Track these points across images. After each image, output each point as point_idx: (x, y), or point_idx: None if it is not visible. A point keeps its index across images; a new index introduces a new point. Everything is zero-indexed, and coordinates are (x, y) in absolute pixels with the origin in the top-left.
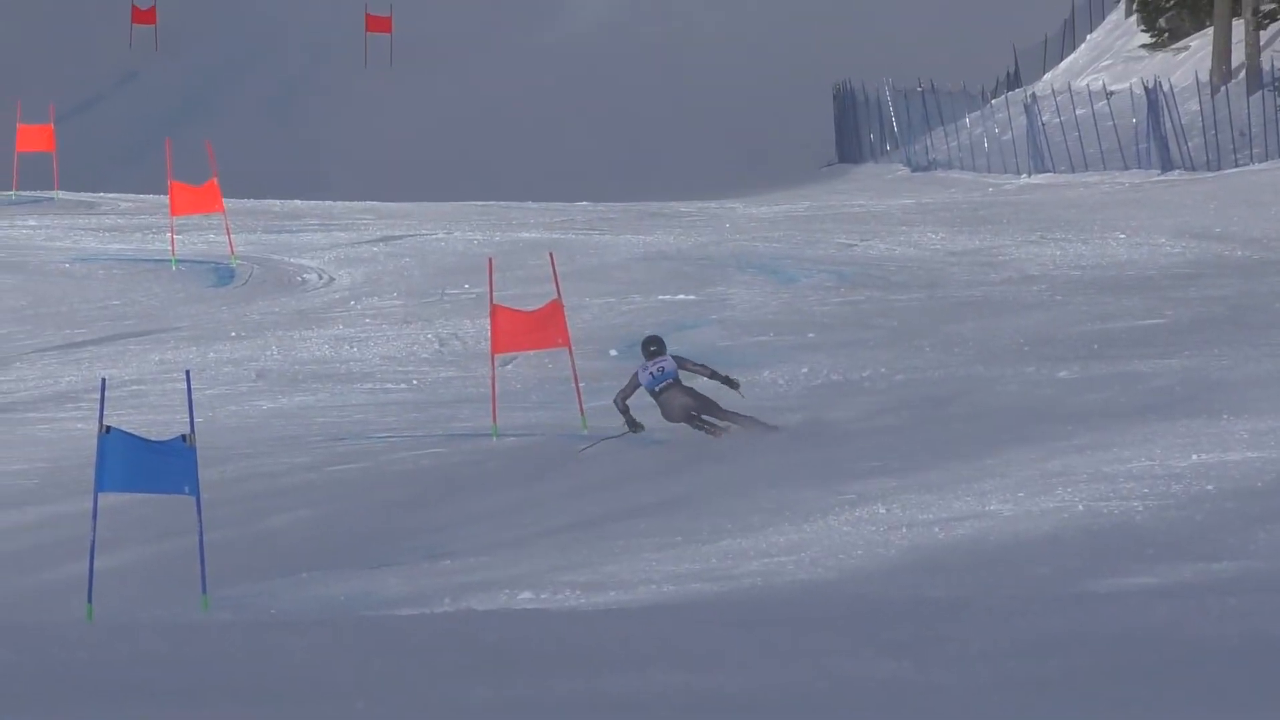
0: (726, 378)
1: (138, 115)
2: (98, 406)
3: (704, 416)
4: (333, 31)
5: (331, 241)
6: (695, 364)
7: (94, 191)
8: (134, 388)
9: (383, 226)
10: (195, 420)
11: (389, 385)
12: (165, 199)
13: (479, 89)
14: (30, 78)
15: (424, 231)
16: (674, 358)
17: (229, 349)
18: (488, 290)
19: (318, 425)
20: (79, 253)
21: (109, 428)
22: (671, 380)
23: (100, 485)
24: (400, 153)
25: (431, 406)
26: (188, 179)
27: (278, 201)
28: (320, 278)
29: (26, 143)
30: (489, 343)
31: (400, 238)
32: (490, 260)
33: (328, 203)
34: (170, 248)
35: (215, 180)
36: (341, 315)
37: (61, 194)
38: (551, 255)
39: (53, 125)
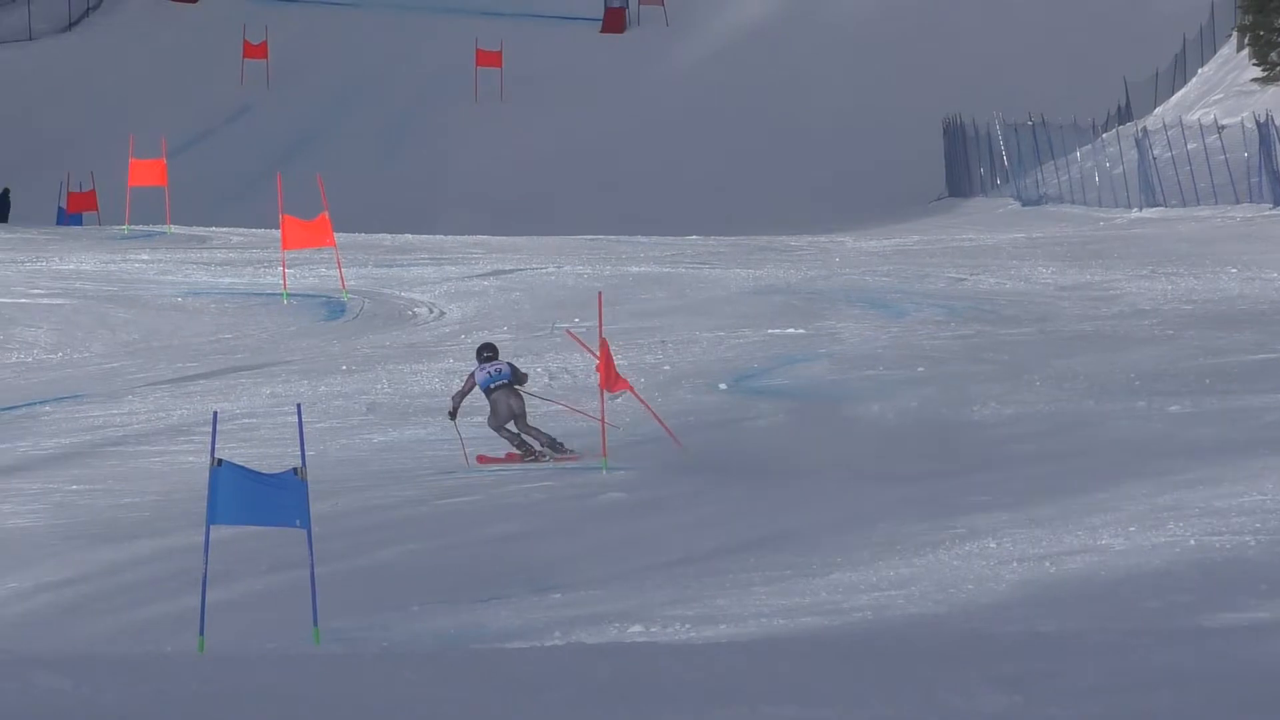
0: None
1: (249, 150)
2: (209, 440)
3: (522, 423)
4: (444, 66)
5: (442, 275)
6: (522, 372)
7: (206, 226)
8: (245, 421)
9: (493, 260)
10: (306, 453)
11: None
12: (276, 233)
13: (589, 123)
14: (143, 113)
15: (534, 265)
16: (510, 365)
17: (340, 382)
18: (598, 324)
19: (428, 458)
20: (191, 287)
21: (221, 461)
22: (505, 381)
23: (212, 518)
24: (510, 187)
25: None
26: (299, 213)
27: (388, 235)
28: (431, 311)
29: (139, 177)
30: (598, 376)
31: (510, 272)
32: (600, 294)
33: (438, 237)
34: (282, 281)
35: (326, 214)
36: (452, 349)
37: (174, 228)
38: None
39: (165, 160)
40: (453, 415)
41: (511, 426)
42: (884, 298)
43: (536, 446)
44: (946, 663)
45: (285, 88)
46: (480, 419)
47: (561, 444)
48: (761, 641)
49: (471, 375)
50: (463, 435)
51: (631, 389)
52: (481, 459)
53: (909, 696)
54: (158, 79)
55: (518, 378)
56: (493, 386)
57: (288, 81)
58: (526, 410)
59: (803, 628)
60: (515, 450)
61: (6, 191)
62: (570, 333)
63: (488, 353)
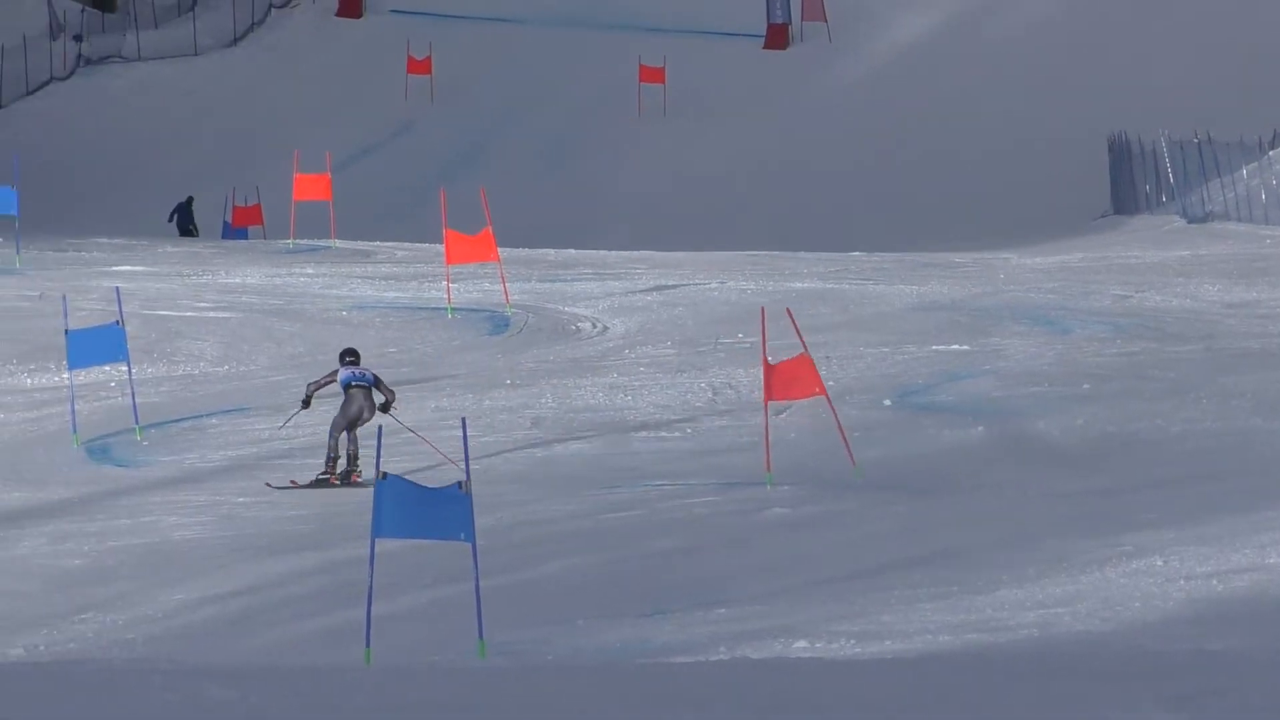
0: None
1: (413, 165)
2: (375, 452)
3: (354, 431)
4: (607, 82)
5: (605, 290)
6: (388, 388)
7: (370, 240)
8: (411, 435)
9: (656, 275)
10: (471, 467)
11: (663, 433)
12: (441, 248)
13: (751, 139)
14: (308, 128)
15: (697, 281)
16: (375, 375)
17: (504, 396)
18: (760, 339)
19: (592, 473)
20: (356, 300)
21: (386, 474)
22: (366, 385)
23: (377, 531)
24: (673, 202)
25: (705, 455)
26: (462, 228)
27: (552, 250)
28: (594, 326)
29: (304, 191)
30: (762, 391)
31: (674, 287)
32: (763, 309)
33: (601, 252)
34: (446, 296)
35: (490, 229)
36: (616, 363)
37: (338, 242)
38: (789, 311)
39: (330, 174)
40: (306, 403)
41: (344, 434)
42: (1049, 314)
43: (338, 463)
44: (1113, 681)
45: (449, 103)
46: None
47: (349, 474)
48: (926, 658)
49: (335, 371)
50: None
51: (825, 394)
52: (270, 485)
53: (1075, 714)
54: (322, 94)
55: (381, 389)
56: (352, 384)
57: (452, 97)
58: (361, 420)
59: (968, 644)
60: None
61: (190, 200)
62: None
63: (350, 357)
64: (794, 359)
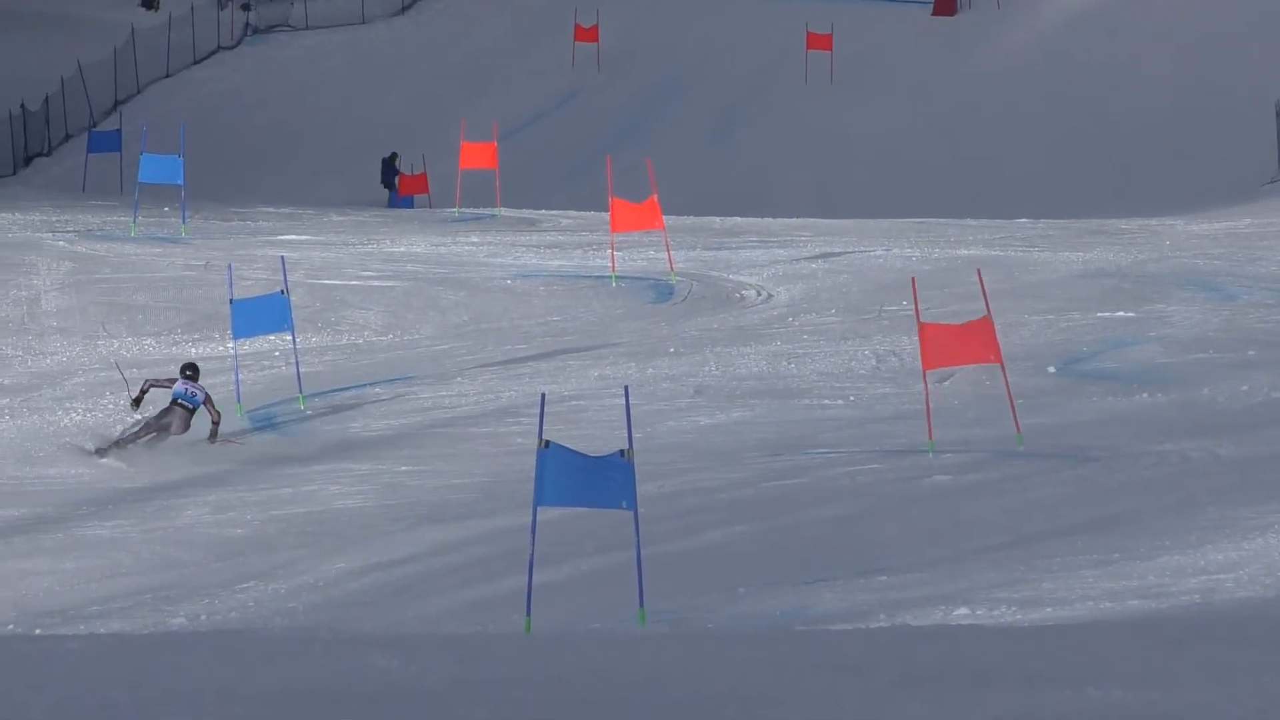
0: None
1: (579, 133)
2: (538, 421)
3: (156, 439)
4: (773, 49)
5: (770, 258)
6: (215, 409)
7: (535, 209)
8: (574, 403)
9: (821, 243)
10: (634, 435)
11: (826, 401)
12: (606, 216)
13: (918, 105)
14: (474, 96)
15: (862, 248)
16: (205, 394)
17: (668, 365)
18: (921, 307)
19: (754, 441)
20: (520, 269)
21: (549, 442)
22: (190, 406)
23: (540, 499)
24: (839, 170)
25: (868, 423)
26: (628, 196)
27: (717, 218)
28: (759, 294)
29: (470, 160)
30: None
31: (838, 254)
32: (914, 279)
33: (767, 220)
34: (610, 264)
35: (655, 197)
36: (780, 331)
37: (504, 211)
38: (979, 272)
39: (496, 143)
40: (136, 402)
41: (149, 435)
42: (1215, 281)
43: (123, 443)
44: (1275, 647)
45: (616, 72)
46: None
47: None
48: (1088, 625)
49: (177, 380)
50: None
51: (1000, 360)
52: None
53: (1237, 680)
54: (489, 62)
55: (209, 408)
56: (179, 401)
57: (618, 65)
58: (170, 436)
59: (1130, 611)
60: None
61: (394, 156)
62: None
63: (189, 372)
64: (974, 322)
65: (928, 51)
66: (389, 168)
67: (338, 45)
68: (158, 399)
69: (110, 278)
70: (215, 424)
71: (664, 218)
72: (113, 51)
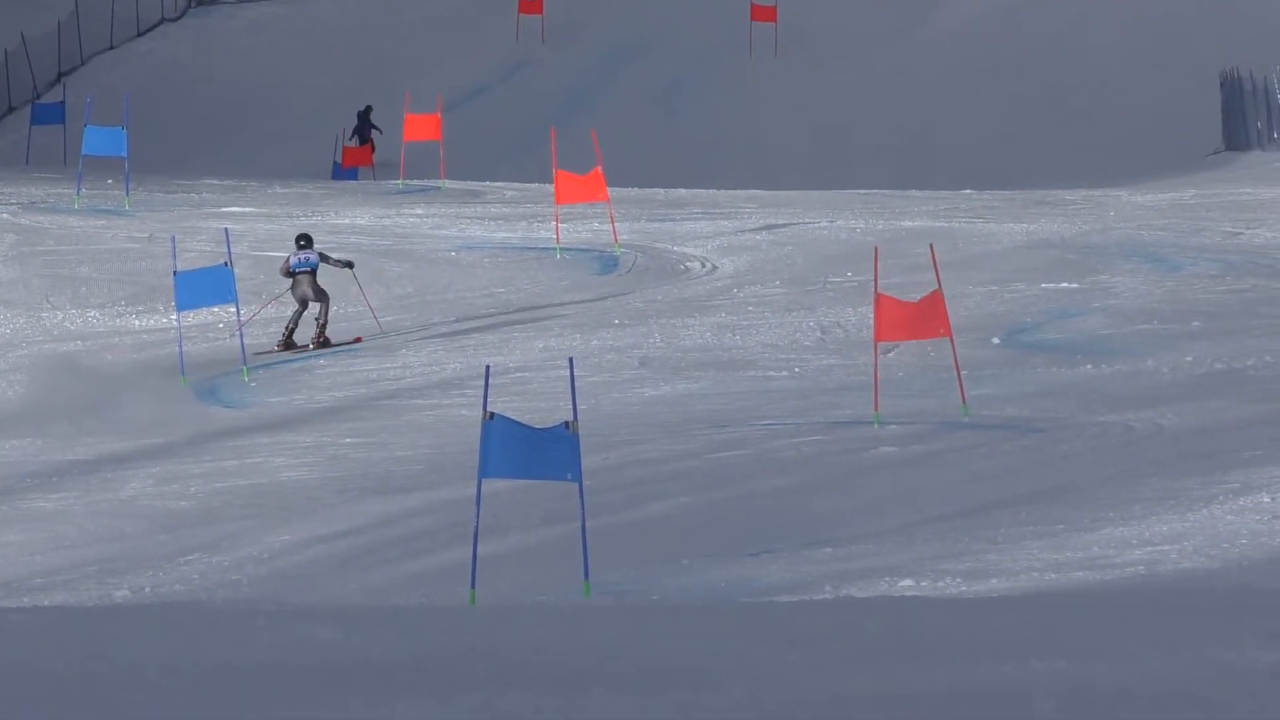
0: (348, 262)
1: (524, 105)
2: (482, 393)
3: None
4: (718, 22)
5: (715, 230)
6: (337, 260)
7: (480, 181)
8: (518, 374)
9: (766, 215)
10: (578, 407)
11: (771, 373)
12: (550, 188)
13: (863, 78)
14: (419, 69)
15: (807, 220)
16: (320, 254)
17: (612, 336)
18: (872, 279)
19: (699, 412)
20: (465, 241)
21: (493, 414)
22: (310, 269)
23: (484, 471)
24: (783, 141)
25: (813, 394)
26: (572, 168)
27: (661, 190)
28: (703, 266)
29: (414, 132)
30: (871, 330)
31: (783, 226)
32: (876, 249)
33: (711, 191)
34: (555, 236)
35: (600, 169)
36: (724, 303)
37: (448, 183)
38: (932, 247)
39: (440, 115)
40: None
41: (306, 308)
42: (1159, 252)
43: (310, 339)
44: (1219, 618)
45: (560, 44)
46: None
47: (329, 340)
48: (1033, 596)
49: (288, 258)
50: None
51: (950, 334)
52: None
53: (1181, 651)
54: (434, 35)
55: (330, 263)
56: (297, 272)
57: (563, 37)
58: (321, 304)
59: (1074, 582)
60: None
61: (369, 109)
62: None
63: (302, 242)
64: (926, 297)
65: (874, 23)
66: (364, 121)
67: (282, 18)
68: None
69: (54, 250)
70: (349, 264)
71: (609, 189)
72: (56, 23)
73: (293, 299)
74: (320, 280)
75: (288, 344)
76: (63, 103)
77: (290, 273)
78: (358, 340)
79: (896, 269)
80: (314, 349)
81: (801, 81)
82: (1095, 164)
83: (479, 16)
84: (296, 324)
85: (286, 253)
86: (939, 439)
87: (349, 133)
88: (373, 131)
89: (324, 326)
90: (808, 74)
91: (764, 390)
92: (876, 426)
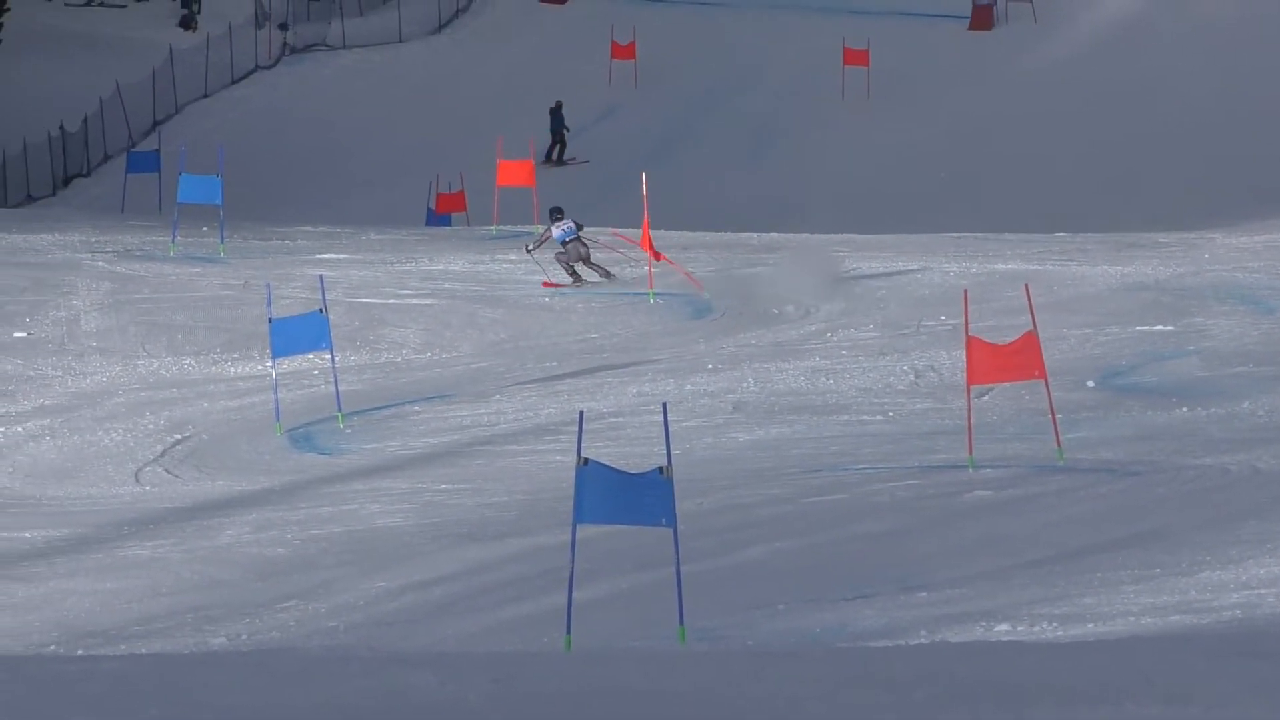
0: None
1: (617, 149)
2: (576, 439)
3: (590, 262)
4: (810, 65)
5: None
6: (581, 224)
7: None
8: (612, 420)
9: (859, 258)
10: (672, 452)
11: (865, 417)
12: (637, 232)
13: (955, 120)
14: (511, 114)
15: (900, 263)
16: (574, 222)
17: (706, 381)
18: (963, 322)
19: (793, 457)
20: (558, 287)
21: (587, 460)
22: (575, 236)
23: (578, 517)
24: (876, 185)
25: (907, 438)
26: (660, 213)
27: (754, 235)
28: (797, 310)
29: (508, 178)
30: (965, 374)
31: (876, 270)
32: (965, 292)
33: (804, 235)
34: (648, 281)
35: (646, 219)
36: (818, 347)
37: (541, 228)
38: (1027, 287)
39: (533, 161)
40: (530, 250)
41: (579, 267)
42: (1254, 294)
43: (595, 276)
44: None
45: (653, 88)
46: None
47: (610, 273)
48: (1128, 640)
49: (548, 229)
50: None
51: (1045, 376)
52: (546, 283)
53: (1278, 697)
54: (526, 80)
55: (579, 228)
56: (566, 241)
57: (655, 82)
58: (590, 254)
59: (1171, 626)
60: (565, 280)
61: (559, 105)
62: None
63: (557, 215)
64: (1019, 339)
65: (965, 66)
66: (556, 117)
67: (375, 64)
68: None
69: (150, 298)
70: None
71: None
72: (151, 72)
73: (565, 263)
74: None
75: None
76: (158, 151)
77: (561, 243)
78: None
79: (990, 312)
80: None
81: (893, 124)
82: (1189, 206)
83: (571, 62)
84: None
85: (378, 299)
86: (1034, 482)
87: (549, 147)
88: (564, 130)
89: (603, 266)
90: (900, 117)
91: (858, 434)
92: (971, 470)
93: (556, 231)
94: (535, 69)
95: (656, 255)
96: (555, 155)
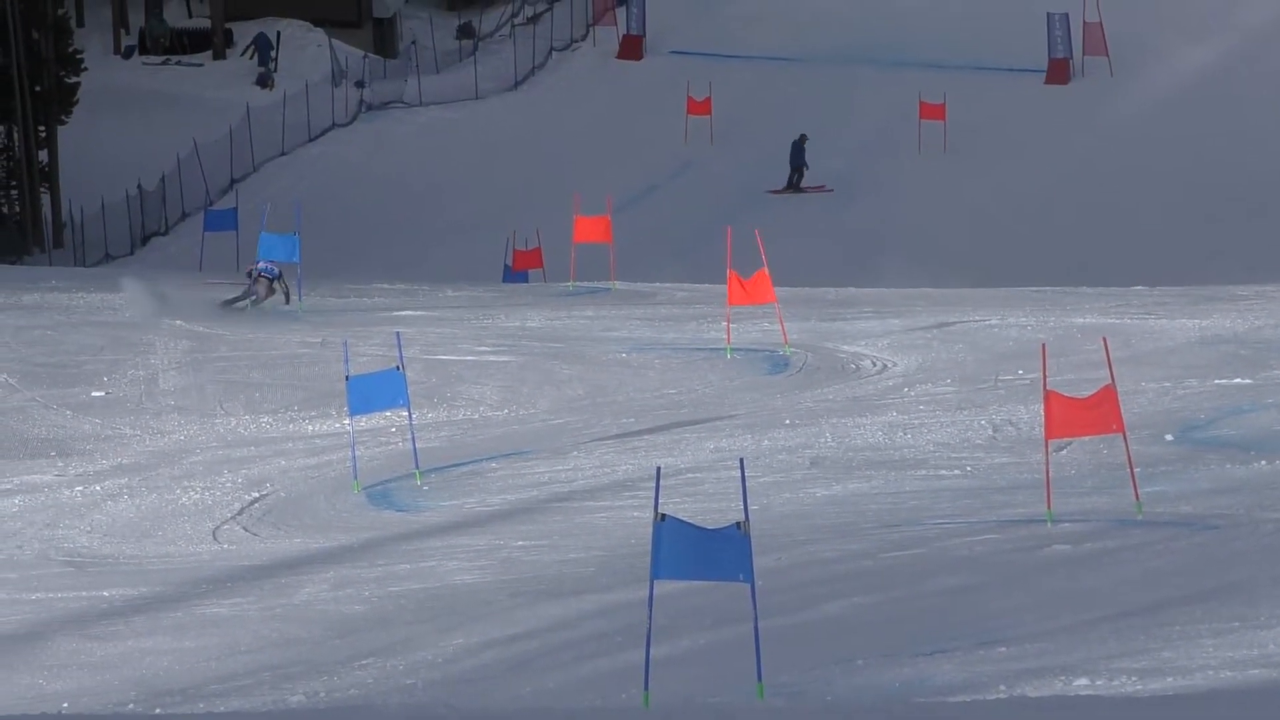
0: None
1: (693, 205)
2: (653, 495)
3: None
4: (887, 119)
5: (885, 328)
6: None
7: (649, 281)
8: (689, 476)
9: (936, 312)
10: (750, 508)
11: (942, 471)
12: (719, 288)
13: (1032, 174)
14: (587, 170)
15: (977, 317)
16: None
17: (783, 436)
18: (1041, 376)
19: (871, 512)
20: (635, 342)
21: (664, 516)
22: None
23: (656, 573)
24: (952, 238)
25: (986, 492)
26: (742, 267)
27: (831, 289)
28: (874, 364)
29: (584, 234)
30: (1043, 428)
31: (954, 324)
32: (1044, 345)
33: (881, 289)
34: (725, 336)
35: (765, 270)
36: (895, 402)
37: (618, 284)
38: (1105, 340)
39: (610, 216)
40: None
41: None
42: None
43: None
44: None
45: (728, 143)
46: None
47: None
48: (1207, 694)
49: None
50: None
51: (1123, 429)
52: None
53: None
54: (603, 136)
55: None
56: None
57: (731, 137)
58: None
59: (1250, 680)
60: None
61: (803, 138)
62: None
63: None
64: (1098, 392)
65: (1041, 119)
66: (798, 150)
67: (451, 121)
68: None
69: (227, 356)
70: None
71: (777, 289)
72: (229, 130)
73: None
74: None
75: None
76: (235, 209)
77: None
78: None
79: (1067, 366)
80: None
81: (970, 178)
82: (1267, 258)
83: (646, 118)
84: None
85: (455, 356)
86: (1112, 536)
87: (792, 176)
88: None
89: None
90: (977, 171)
91: (936, 489)
92: (1049, 524)
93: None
94: (611, 124)
95: (762, 297)
96: (795, 181)
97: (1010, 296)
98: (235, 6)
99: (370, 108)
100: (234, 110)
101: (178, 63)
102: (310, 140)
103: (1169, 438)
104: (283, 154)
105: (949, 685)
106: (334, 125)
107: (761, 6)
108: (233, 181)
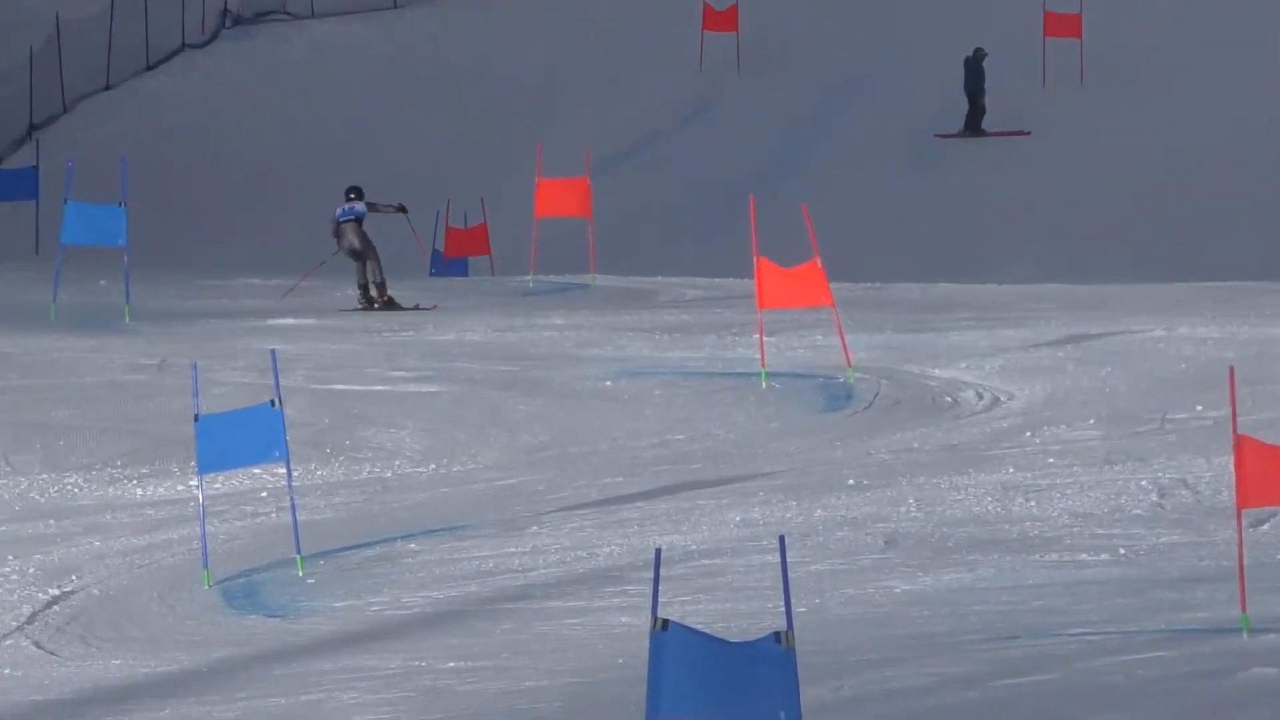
0: (400, 206)
1: (710, 164)
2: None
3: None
4: (994, 36)
5: (995, 344)
6: (384, 205)
7: (647, 275)
8: (704, 562)
9: (1069, 320)
10: (795, 610)
11: (1084, 556)
12: (749, 284)
13: (1210, 112)
14: (557, 113)
15: (1131, 327)
16: (368, 203)
17: (844, 504)
18: (1230, 413)
19: (977, 616)
20: (625, 364)
21: (667, 622)
22: (353, 218)
23: (654, 708)
24: (1095, 213)
25: (1149, 587)
26: (778, 254)
27: (915, 286)
28: (979, 397)
29: (551, 205)
30: (1234, 492)
31: (1096, 336)
32: (1231, 369)
33: (989, 286)
34: (759, 355)
35: (817, 260)
36: (1011, 453)
37: (600, 279)
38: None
39: (588, 179)
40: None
41: (357, 266)
42: None
43: (370, 294)
44: None
45: (762, 74)
46: None
47: (394, 300)
48: None
49: (335, 213)
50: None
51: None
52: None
53: None
54: (579, 61)
55: (379, 210)
56: (342, 221)
57: (766, 65)
58: (370, 259)
59: None
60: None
61: (979, 54)
62: None
63: (352, 194)
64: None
65: (1216, 35)
66: (975, 71)
67: (355, 41)
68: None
69: (18, 385)
70: (401, 208)
71: (833, 285)
72: (28, 53)
73: (348, 257)
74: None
75: (370, 300)
76: (35, 167)
77: (337, 224)
78: (433, 308)
79: (1269, 398)
80: (379, 307)
81: (1118, 118)
82: None
83: (645, 37)
84: (366, 279)
85: (358, 385)
86: None
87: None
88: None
89: (383, 285)
90: (1128, 108)
91: (1073, 581)
92: (1246, 636)
93: (339, 210)
94: (592, 45)
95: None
96: (973, 121)
97: (1179, 296)
98: None
99: (238, 20)
100: (38, 25)
101: None
102: (148, 69)
103: None
104: (107, 88)
105: None
106: (184, 46)
107: None
108: (32, 128)
